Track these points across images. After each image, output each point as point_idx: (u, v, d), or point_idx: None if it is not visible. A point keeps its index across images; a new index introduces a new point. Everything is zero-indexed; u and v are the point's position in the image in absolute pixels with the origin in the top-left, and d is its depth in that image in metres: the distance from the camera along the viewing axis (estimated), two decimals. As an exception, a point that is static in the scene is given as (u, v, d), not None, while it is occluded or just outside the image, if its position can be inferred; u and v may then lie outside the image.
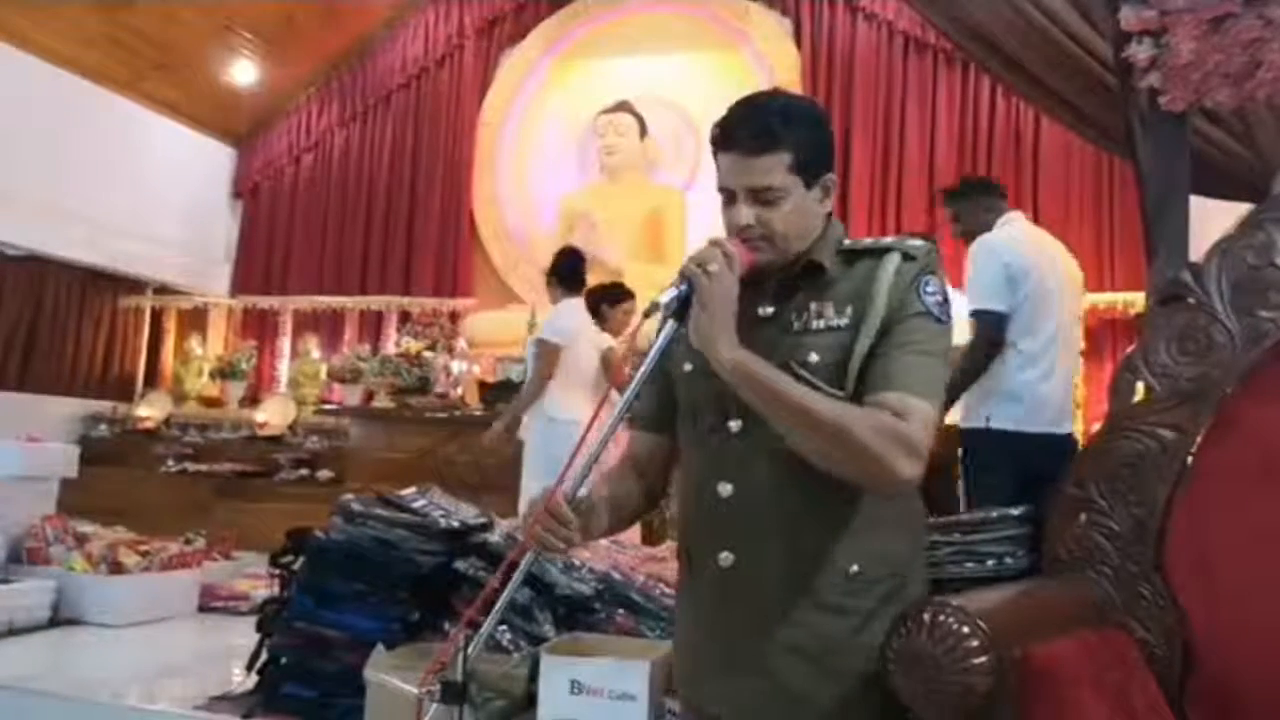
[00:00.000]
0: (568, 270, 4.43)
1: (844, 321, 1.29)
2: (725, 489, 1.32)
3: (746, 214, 1.29)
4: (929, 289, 1.29)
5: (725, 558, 1.32)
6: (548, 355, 4.15)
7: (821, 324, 1.30)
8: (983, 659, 1.22)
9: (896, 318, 1.27)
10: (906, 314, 1.27)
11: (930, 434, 1.24)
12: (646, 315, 1.28)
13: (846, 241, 1.36)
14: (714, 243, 1.27)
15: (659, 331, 1.29)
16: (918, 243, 1.33)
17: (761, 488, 1.30)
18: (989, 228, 3.30)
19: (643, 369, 1.25)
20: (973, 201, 3.42)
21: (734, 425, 1.32)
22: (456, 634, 1.09)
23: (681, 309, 1.25)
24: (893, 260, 1.30)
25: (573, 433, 4.19)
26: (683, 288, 1.24)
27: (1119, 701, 1.34)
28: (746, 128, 1.29)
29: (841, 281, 1.32)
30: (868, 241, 1.37)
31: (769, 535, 1.30)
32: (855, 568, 1.29)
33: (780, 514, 1.30)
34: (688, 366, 1.39)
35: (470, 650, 1.14)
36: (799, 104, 1.35)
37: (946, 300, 1.31)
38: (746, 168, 1.29)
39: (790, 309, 1.33)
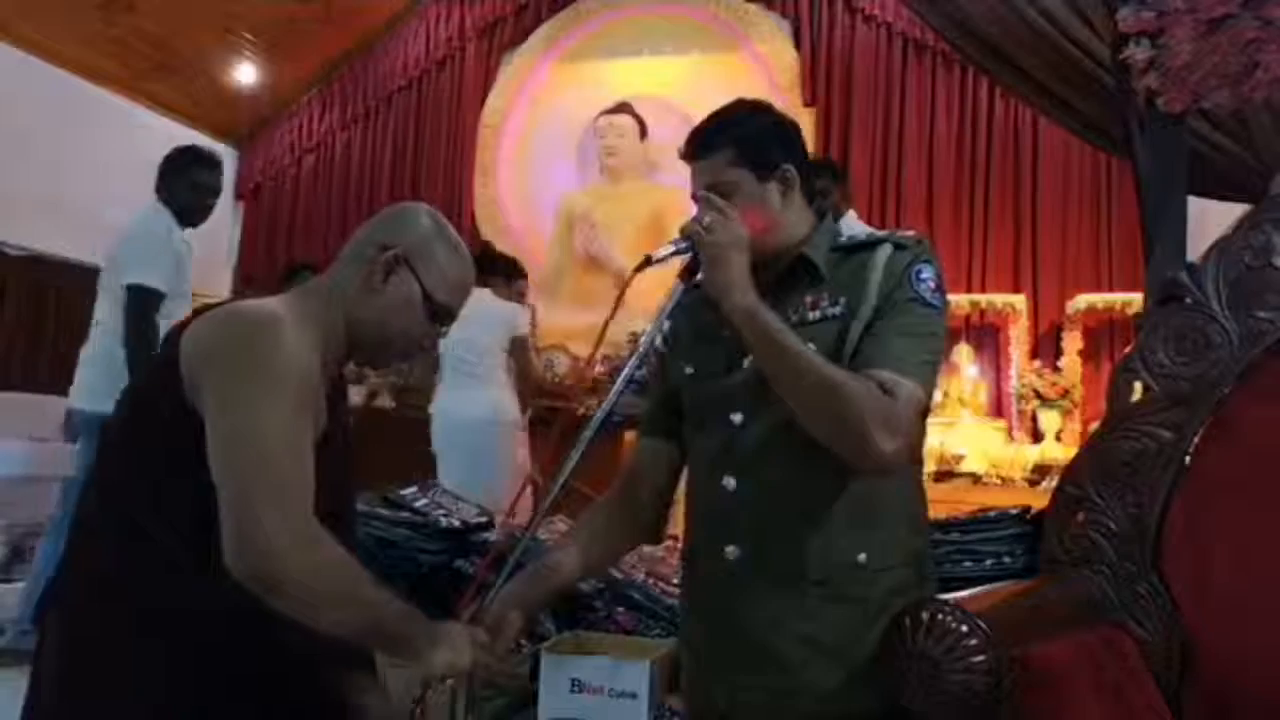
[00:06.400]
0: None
1: (837, 310, 1.31)
2: (731, 483, 1.33)
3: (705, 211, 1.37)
4: (923, 275, 1.31)
5: (732, 551, 1.32)
6: None
7: (817, 314, 1.33)
8: (981, 658, 1.23)
9: (889, 303, 1.29)
10: (899, 299, 1.29)
11: (915, 414, 1.26)
12: (638, 270, 1.31)
13: (843, 239, 1.39)
14: (705, 201, 1.31)
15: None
16: (909, 234, 1.37)
17: (767, 480, 1.31)
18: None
19: (645, 337, 1.29)
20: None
21: (737, 418, 1.33)
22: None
23: (689, 273, 1.29)
24: (885, 251, 1.33)
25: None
26: (683, 244, 1.29)
27: (1117, 700, 1.35)
28: (693, 138, 1.40)
29: (836, 275, 1.35)
30: (862, 237, 1.39)
31: (776, 528, 1.31)
32: (862, 557, 1.30)
33: (786, 506, 1.30)
34: (689, 370, 1.41)
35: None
36: (742, 105, 1.42)
37: (940, 288, 1.33)
38: (697, 172, 1.39)
39: (786, 305, 1.34)
